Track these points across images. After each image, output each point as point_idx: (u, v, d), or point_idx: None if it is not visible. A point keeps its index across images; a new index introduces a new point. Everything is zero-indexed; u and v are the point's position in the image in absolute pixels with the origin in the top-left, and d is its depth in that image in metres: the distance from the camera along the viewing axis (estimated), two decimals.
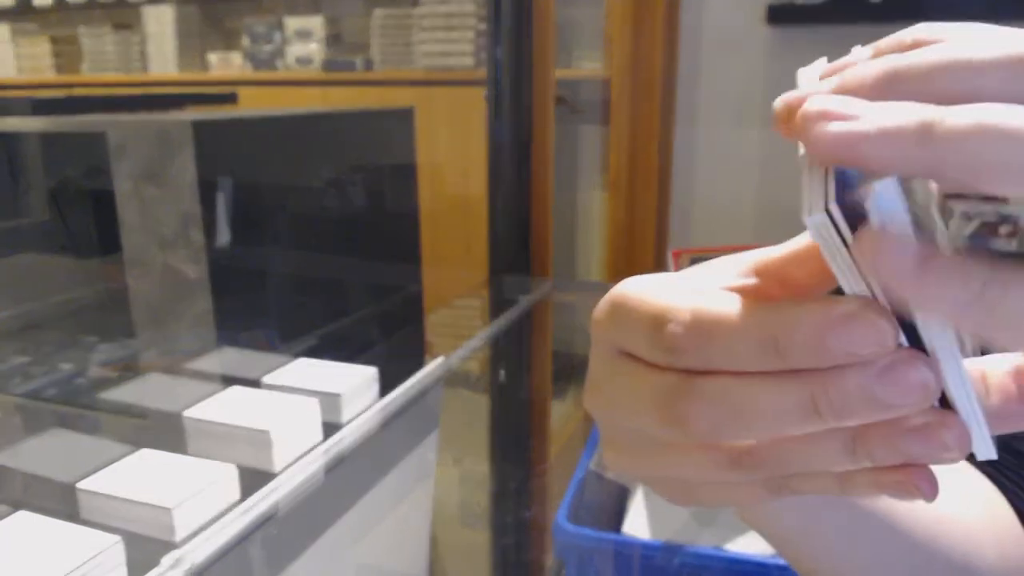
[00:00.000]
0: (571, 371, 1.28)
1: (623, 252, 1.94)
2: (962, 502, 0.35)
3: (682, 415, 0.19)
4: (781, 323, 0.18)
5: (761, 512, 0.29)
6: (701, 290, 0.21)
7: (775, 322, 0.18)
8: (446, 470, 0.93)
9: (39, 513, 0.51)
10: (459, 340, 1.11)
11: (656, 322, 0.20)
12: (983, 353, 0.20)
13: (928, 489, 0.18)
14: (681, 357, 0.19)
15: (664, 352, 0.20)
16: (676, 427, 0.19)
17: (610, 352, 0.22)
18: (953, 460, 0.18)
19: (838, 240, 0.17)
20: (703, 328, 0.19)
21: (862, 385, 0.17)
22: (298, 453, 0.65)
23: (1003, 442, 0.40)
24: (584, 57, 2.23)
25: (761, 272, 0.22)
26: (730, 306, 0.19)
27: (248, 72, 2.62)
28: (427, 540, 0.80)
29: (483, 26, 2.15)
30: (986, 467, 0.39)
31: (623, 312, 0.21)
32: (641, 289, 0.21)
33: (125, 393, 0.79)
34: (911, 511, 0.31)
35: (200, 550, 0.53)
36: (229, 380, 0.73)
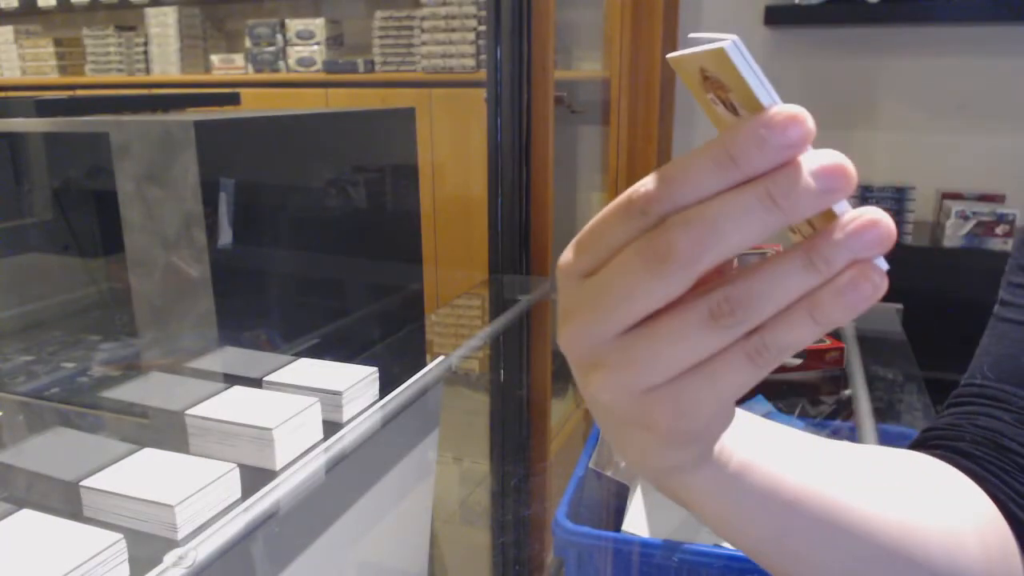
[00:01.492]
0: (570, 370, 1.28)
1: None
2: (942, 505, 0.35)
3: (666, 244, 0.22)
4: (730, 138, 0.21)
5: (737, 522, 0.30)
6: None
7: (725, 139, 0.21)
8: (446, 468, 0.94)
9: (42, 511, 0.52)
10: (459, 339, 1.12)
11: (625, 201, 0.23)
12: None
13: (879, 279, 0.22)
14: (653, 211, 0.22)
15: (639, 215, 0.22)
16: (663, 261, 0.22)
17: (578, 278, 0.24)
18: (885, 247, 0.22)
19: (751, 58, 0.21)
20: (667, 176, 0.22)
21: (802, 172, 0.21)
22: (299, 452, 0.66)
23: (987, 439, 0.41)
24: (584, 58, 2.24)
25: None
26: (684, 156, 0.22)
27: (250, 74, 2.62)
28: (427, 538, 0.81)
29: (483, 27, 2.16)
30: (968, 464, 0.39)
31: (588, 231, 0.24)
32: (583, 232, 0.24)
33: (127, 392, 0.80)
34: (884, 513, 0.32)
35: (202, 548, 0.54)
36: (231, 379, 0.73)
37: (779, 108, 0.21)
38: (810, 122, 0.21)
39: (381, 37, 2.40)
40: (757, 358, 0.22)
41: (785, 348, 0.22)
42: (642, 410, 0.24)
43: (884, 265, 0.22)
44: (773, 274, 0.22)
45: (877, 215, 0.21)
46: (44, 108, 0.90)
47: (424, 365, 0.87)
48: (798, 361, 0.91)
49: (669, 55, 0.24)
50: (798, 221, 0.22)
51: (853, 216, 0.22)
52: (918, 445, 0.43)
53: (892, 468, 0.36)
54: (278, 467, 0.63)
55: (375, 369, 0.76)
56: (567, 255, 0.25)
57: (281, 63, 2.58)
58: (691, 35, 0.23)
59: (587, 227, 0.24)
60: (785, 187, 0.21)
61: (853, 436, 0.79)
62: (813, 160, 0.21)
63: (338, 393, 0.71)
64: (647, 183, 0.23)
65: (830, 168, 0.21)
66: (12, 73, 3.01)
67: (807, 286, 0.22)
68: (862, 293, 0.21)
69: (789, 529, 0.30)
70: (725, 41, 0.21)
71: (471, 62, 2.26)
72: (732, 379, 0.23)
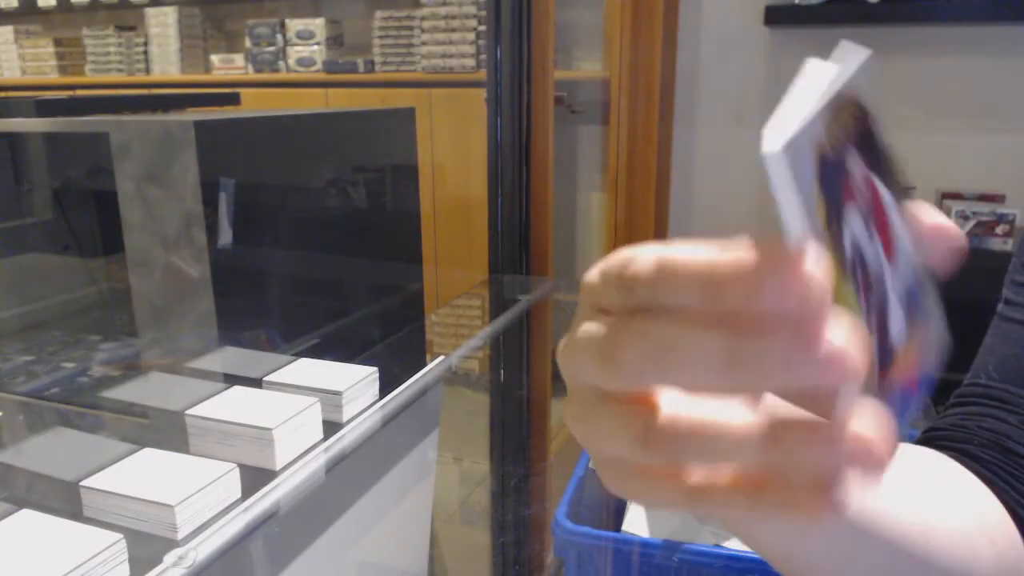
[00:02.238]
0: None
1: None
2: (957, 511, 0.35)
3: (612, 350, 0.20)
4: (727, 265, 0.18)
5: (752, 531, 0.29)
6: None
7: (722, 264, 0.18)
8: (446, 468, 0.94)
9: (42, 511, 0.52)
10: (459, 340, 1.12)
11: (624, 263, 0.21)
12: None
13: (836, 502, 0.18)
14: (634, 295, 0.20)
15: (623, 290, 0.20)
16: (603, 364, 0.20)
17: (588, 309, 0.23)
18: (879, 469, 0.17)
19: (790, 177, 0.17)
20: (659, 264, 0.19)
21: (786, 340, 0.17)
22: (299, 452, 0.66)
23: (994, 442, 0.40)
24: (584, 57, 2.24)
25: None
26: (692, 248, 0.19)
27: (250, 74, 2.62)
28: (428, 538, 0.81)
29: (483, 27, 2.16)
30: (977, 467, 0.39)
31: (605, 267, 0.22)
32: (629, 250, 0.22)
33: (127, 392, 0.80)
34: (900, 523, 0.31)
35: (202, 548, 0.54)
36: (231, 379, 0.73)
37: (802, 259, 0.17)
38: (826, 288, 0.17)
39: (381, 37, 2.40)
40: (691, 501, 0.20)
41: (716, 503, 0.20)
42: (595, 462, 0.24)
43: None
44: (718, 437, 0.19)
45: (881, 434, 0.17)
46: (44, 108, 0.90)
47: (424, 365, 0.87)
48: None
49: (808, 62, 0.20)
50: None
51: (850, 425, 0.17)
52: (923, 445, 0.43)
53: (916, 469, 0.36)
54: (278, 467, 0.63)
55: (375, 369, 0.76)
56: (594, 270, 0.23)
57: (281, 63, 2.58)
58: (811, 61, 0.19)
59: (618, 257, 0.22)
60: (758, 357, 0.17)
61: None
62: (805, 339, 0.17)
63: (338, 393, 0.71)
64: (645, 259, 0.20)
65: (834, 356, 0.16)
66: (12, 73, 3.01)
67: (755, 467, 0.19)
68: (814, 511, 0.18)
69: (810, 539, 0.30)
70: (771, 144, 0.17)
71: (471, 62, 2.26)
72: (660, 497, 0.21)
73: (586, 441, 0.23)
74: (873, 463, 0.17)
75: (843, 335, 0.17)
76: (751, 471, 0.19)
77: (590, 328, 0.21)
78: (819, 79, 0.19)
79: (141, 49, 2.80)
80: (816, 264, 0.17)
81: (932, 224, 0.21)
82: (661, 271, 0.19)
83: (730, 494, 0.19)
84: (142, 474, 0.57)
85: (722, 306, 0.18)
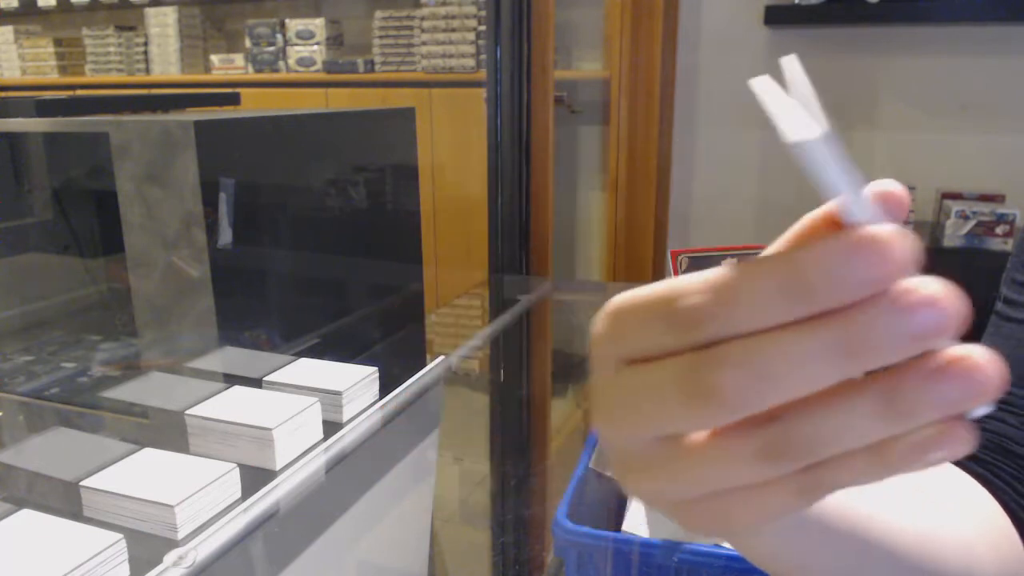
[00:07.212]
0: (570, 370, 1.28)
1: (622, 252, 1.94)
2: (957, 515, 0.35)
3: (710, 385, 0.18)
4: (804, 260, 0.17)
5: (759, 548, 0.29)
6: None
7: (797, 261, 0.17)
8: (446, 468, 0.94)
9: (42, 511, 0.52)
10: (459, 339, 1.12)
11: (668, 304, 0.19)
12: None
13: (967, 436, 0.18)
14: (700, 330, 0.19)
15: (682, 330, 0.19)
16: (704, 402, 0.18)
17: (615, 364, 0.21)
18: (987, 399, 0.17)
19: (833, 159, 0.17)
20: (720, 290, 0.18)
21: (891, 311, 0.17)
22: (299, 452, 0.66)
23: (996, 444, 0.40)
24: (584, 57, 2.24)
25: None
26: (742, 266, 0.18)
27: (250, 73, 2.62)
28: (428, 538, 0.81)
29: (483, 27, 2.16)
30: (978, 468, 0.39)
31: (626, 315, 0.20)
32: (639, 291, 0.21)
33: (127, 392, 0.80)
34: (896, 528, 0.31)
35: (202, 548, 0.54)
36: (231, 379, 0.73)
37: (870, 231, 0.17)
38: (906, 247, 0.17)
39: (381, 37, 2.40)
40: (808, 494, 0.20)
41: (843, 487, 0.20)
42: (674, 513, 0.23)
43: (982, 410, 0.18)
44: (842, 418, 0.18)
45: (982, 356, 0.17)
46: (44, 108, 0.90)
47: (424, 365, 0.87)
48: None
49: (752, 82, 0.20)
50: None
51: (952, 357, 0.17)
52: None
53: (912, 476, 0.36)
54: (278, 467, 0.63)
55: (375, 369, 0.76)
56: (604, 326, 0.21)
57: (281, 63, 2.58)
58: (755, 81, 0.19)
59: (627, 303, 0.20)
60: (866, 336, 0.17)
61: None
62: (905, 293, 0.17)
63: (338, 393, 0.71)
64: (697, 292, 0.19)
65: (927, 306, 0.17)
66: (12, 73, 3.01)
67: (882, 435, 0.18)
68: (947, 452, 0.18)
69: (818, 551, 0.29)
70: (799, 135, 0.17)
71: (471, 62, 2.26)
72: (775, 506, 0.20)
73: (665, 492, 0.22)
74: (988, 383, 0.17)
75: (934, 286, 0.17)
76: (872, 436, 0.19)
77: (647, 378, 0.20)
78: (797, 76, 0.19)
79: (141, 49, 2.80)
80: (886, 228, 0.17)
81: (876, 190, 0.20)
82: (726, 297, 0.18)
83: (858, 475, 0.19)
84: (142, 474, 0.57)
85: (810, 301, 0.17)
